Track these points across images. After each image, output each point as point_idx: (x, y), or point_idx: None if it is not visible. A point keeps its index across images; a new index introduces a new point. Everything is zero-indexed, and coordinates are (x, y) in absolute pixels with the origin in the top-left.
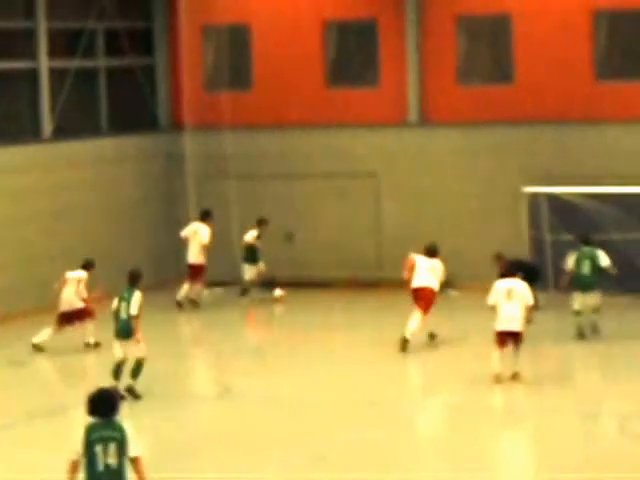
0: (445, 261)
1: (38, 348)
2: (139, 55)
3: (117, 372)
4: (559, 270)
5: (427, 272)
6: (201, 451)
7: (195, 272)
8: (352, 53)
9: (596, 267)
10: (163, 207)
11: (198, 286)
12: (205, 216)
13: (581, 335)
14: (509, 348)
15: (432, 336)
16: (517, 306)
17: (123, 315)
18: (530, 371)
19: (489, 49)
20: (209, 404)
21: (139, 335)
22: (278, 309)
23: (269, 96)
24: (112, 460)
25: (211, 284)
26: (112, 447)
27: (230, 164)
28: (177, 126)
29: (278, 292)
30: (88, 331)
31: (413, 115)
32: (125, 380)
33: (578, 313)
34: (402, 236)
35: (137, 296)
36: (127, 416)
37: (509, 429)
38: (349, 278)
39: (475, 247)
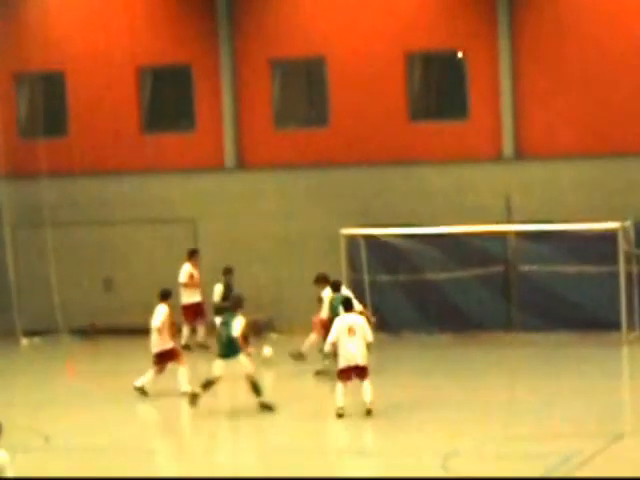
0: (265, 305)
1: (141, 391)
2: None
3: (207, 385)
4: (375, 310)
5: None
6: None
7: (188, 313)
8: (167, 99)
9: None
10: None
11: (202, 328)
12: (191, 255)
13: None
14: (354, 382)
15: (300, 355)
16: (359, 341)
17: (226, 337)
18: (356, 409)
19: (304, 92)
20: (29, 454)
21: (249, 349)
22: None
23: (85, 143)
24: None
25: (29, 333)
26: None
27: (47, 212)
28: None
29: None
30: (181, 378)
31: (230, 160)
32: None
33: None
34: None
35: (241, 320)
36: None
37: (331, 468)
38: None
39: (294, 290)
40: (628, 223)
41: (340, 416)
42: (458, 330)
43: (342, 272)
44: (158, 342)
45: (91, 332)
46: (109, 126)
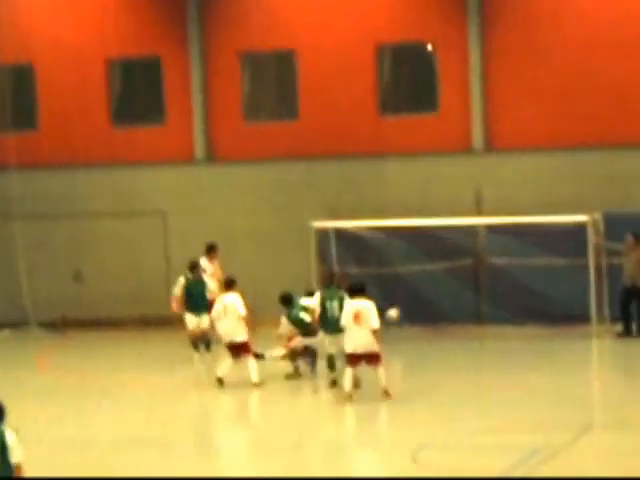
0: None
1: (220, 382)
2: None
3: (333, 363)
4: None
5: None
6: None
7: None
8: (137, 91)
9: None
10: None
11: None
12: (209, 250)
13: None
14: (363, 368)
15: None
16: (365, 328)
17: (337, 313)
18: (324, 405)
19: (274, 85)
20: None
21: None
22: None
23: (55, 136)
24: None
25: None
26: None
27: (16, 205)
28: None
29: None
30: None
31: (200, 152)
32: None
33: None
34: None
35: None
36: None
37: (298, 460)
38: (139, 316)
39: (266, 282)
40: (598, 216)
41: (348, 401)
42: (428, 323)
43: (312, 265)
44: (241, 331)
45: (61, 325)
46: (79, 119)
